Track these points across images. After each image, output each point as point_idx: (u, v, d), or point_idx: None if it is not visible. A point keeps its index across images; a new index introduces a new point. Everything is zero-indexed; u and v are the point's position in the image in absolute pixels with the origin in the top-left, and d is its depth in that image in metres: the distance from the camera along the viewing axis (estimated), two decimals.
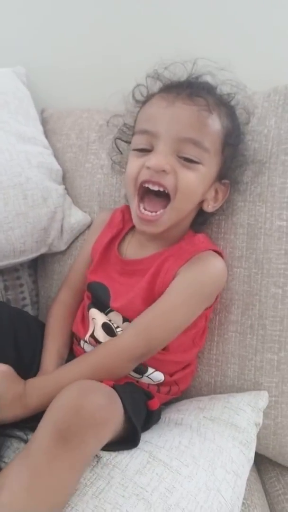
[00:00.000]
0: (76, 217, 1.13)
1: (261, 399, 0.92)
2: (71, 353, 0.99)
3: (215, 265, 0.92)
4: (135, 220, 0.92)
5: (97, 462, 0.69)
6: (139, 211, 0.89)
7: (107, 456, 0.70)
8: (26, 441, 0.75)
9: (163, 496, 0.65)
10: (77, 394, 0.67)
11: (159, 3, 1.19)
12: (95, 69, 1.25)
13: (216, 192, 0.94)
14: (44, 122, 1.23)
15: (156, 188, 0.86)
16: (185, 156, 0.85)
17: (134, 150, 0.91)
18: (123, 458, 0.70)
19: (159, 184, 0.86)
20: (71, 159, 1.17)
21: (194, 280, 0.88)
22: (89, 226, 1.13)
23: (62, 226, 1.12)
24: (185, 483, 0.68)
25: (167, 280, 0.89)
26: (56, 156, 1.17)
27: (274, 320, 0.95)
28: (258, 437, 0.90)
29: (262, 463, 1.04)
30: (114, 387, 0.76)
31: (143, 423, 0.82)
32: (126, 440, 0.75)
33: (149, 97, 0.95)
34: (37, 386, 0.81)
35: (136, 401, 0.81)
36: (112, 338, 0.91)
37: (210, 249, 0.93)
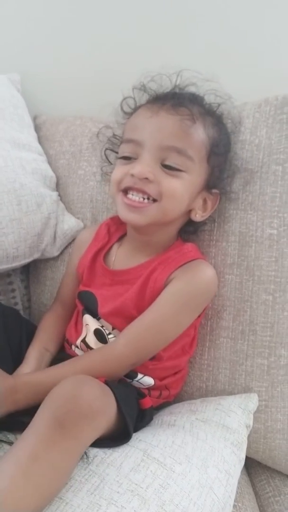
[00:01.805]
0: (69, 223, 1.14)
1: (251, 401, 0.93)
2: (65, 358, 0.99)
3: (206, 273, 0.92)
4: (121, 212, 0.91)
5: (92, 460, 0.69)
6: (126, 198, 0.88)
7: (101, 454, 0.70)
8: (10, 443, 0.75)
9: (158, 492, 0.65)
10: (75, 385, 0.69)
11: (155, 14, 1.21)
12: (88, 77, 1.27)
13: (205, 201, 0.95)
14: (37, 128, 1.24)
15: (140, 196, 0.87)
16: (168, 165, 0.86)
17: (120, 158, 0.92)
18: (117, 456, 0.71)
19: (143, 192, 0.86)
20: (64, 165, 1.18)
21: (185, 292, 0.89)
22: None
23: (55, 232, 1.13)
24: (178, 480, 0.68)
25: (156, 289, 0.89)
26: (49, 162, 1.18)
27: (264, 326, 0.96)
28: (249, 441, 0.91)
29: (253, 466, 1.04)
30: (106, 382, 0.77)
31: (135, 421, 0.83)
32: (119, 436, 0.76)
33: (136, 109, 0.96)
34: (30, 382, 0.82)
35: (128, 397, 0.82)
36: (106, 345, 0.92)
37: (198, 258, 0.93)
